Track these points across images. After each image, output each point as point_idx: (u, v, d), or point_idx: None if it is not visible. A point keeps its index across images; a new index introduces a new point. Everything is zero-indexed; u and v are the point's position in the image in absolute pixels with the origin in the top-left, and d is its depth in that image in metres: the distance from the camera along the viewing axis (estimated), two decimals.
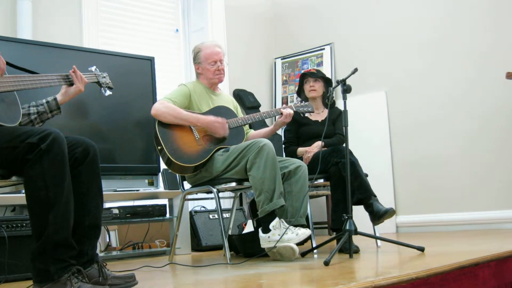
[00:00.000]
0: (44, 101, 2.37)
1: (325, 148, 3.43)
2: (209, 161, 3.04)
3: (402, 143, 4.89)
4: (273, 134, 3.43)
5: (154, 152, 3.64)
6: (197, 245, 4.11)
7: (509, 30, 4.37)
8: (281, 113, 3.26)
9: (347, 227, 2.71)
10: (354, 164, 3.20)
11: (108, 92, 2.58)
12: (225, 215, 4.16)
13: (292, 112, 3.27)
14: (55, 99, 2.38)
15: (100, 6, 4.50)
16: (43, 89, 2.36)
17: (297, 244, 2.79)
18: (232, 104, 3.42)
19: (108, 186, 3.55)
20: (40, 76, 2.25)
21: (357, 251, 2.99)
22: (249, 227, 3.84)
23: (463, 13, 4.60)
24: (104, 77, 2.57)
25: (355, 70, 2.92)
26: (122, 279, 2.03)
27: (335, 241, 3.04)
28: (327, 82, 3.77)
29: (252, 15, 5.73)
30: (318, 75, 3.75)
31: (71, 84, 2.38)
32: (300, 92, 3.81)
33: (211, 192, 3.08)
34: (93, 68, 2.56)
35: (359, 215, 3.15)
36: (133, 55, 4.01)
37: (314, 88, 3.70)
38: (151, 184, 3.83)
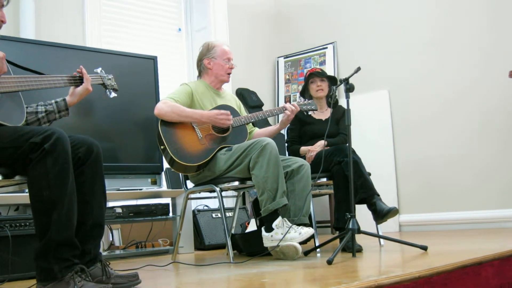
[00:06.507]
0: (53, 101, 2.36)
1: (328, 147, 3.43)
2: (212, 160, 3.04)
3: (405, 142, 4.89)
4: (278, 132, 3.42)
5: (157, 151, 3.63)
6: (200, 244, 4.11)
7: (511, 28, 4.36)
8: (285, 110, 3.26)
9: (350, 226, 2.71)
10: (357, 163, 3.19)
11: (113, 94, 2.57)
12: (228, 214, 4.15)
13: (294, 108, 3.26)
14: (64, 99, 2.37)
15: (103, 5, 4.50)
16: (47, 92, 2.36)
17: (300, 243, 2.79)
18: (235, 103, 3.42)
19: (111, 185, 3.56)
20: (46, 77, 2.24)
21: (360, 250, 2.99)
22: (252, 226, 3.84)
23: (465, 12, 4.59)
24: (110, 79, 2.57)
25: (358, 69, 2.91)
26: (125, 278, 2.04)
27: (338, 240, 3.04)
28: (331, 81, 3.77)
29: (255, 13, 5.73)
30: (325, 75, 3.76)
31: (76, 85, 2.39)
32: (304, 92, 3.80)
33: (214, 191, 3.08)
34: (99, 70, 2.56)
35: (362, 214, 3.15)
36: (136, 54, 4.02)
37: (321, 88, 3.71)
38: (154, 183, 3.83)
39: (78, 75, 2.39)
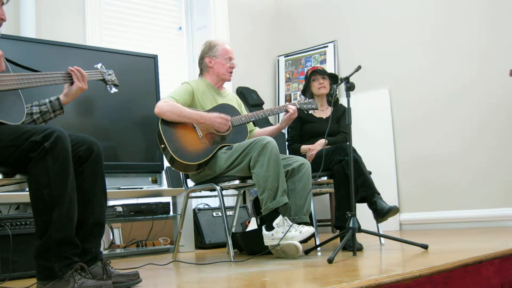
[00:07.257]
0: (47, 100, 2.33)
1: (329, 146, 3.42)
2: (212, 159, 3.04)
3: (405, 140, 4.89)
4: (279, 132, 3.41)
5: (158, 150, 3.64)
6: (200, 242, 4.11)
7: (510, 27, 4.35)
8: (287, 110, 3.26)
9: (351, 225, 2.71)
10: (358, 162, 3.19)
11: (113, 90, 2.55)
12: (229, 212, 4.16)
13: (296, 108, 3.26)
14: (58, 99, 2.33)
15: (103, 4, 4.50)
16: (47, 89, 2.34)
17: (301, 242, 2.79)
18: (236, 102, 3.42)
19: (112, 184, 3.56)
20: (45, 74, 2.23)
21: (360, 248, 2.99)
22: (252, 225, 3.84)
23: (465, 11, 4.59)
24: (110, 74, 2.55)
25: (359, 67, 2.91)
26: (126, 277, 2.04)
27: (338, 239, 3.04)
28: (333, 80, 3.76)
29: (255, 12, 5.72)
30: (327, 73, 3.76)
31: (73, 82, 2.37)
32: (305, 91, 3.80)
33: (214, 190, 3.08)
34: (99, 66, 2.54)
35: (363, 212, 3.15)
36: (137, 53, 4.01)
37: (324, 85, 3.70)
38: (154, 182, 3.83)
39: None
